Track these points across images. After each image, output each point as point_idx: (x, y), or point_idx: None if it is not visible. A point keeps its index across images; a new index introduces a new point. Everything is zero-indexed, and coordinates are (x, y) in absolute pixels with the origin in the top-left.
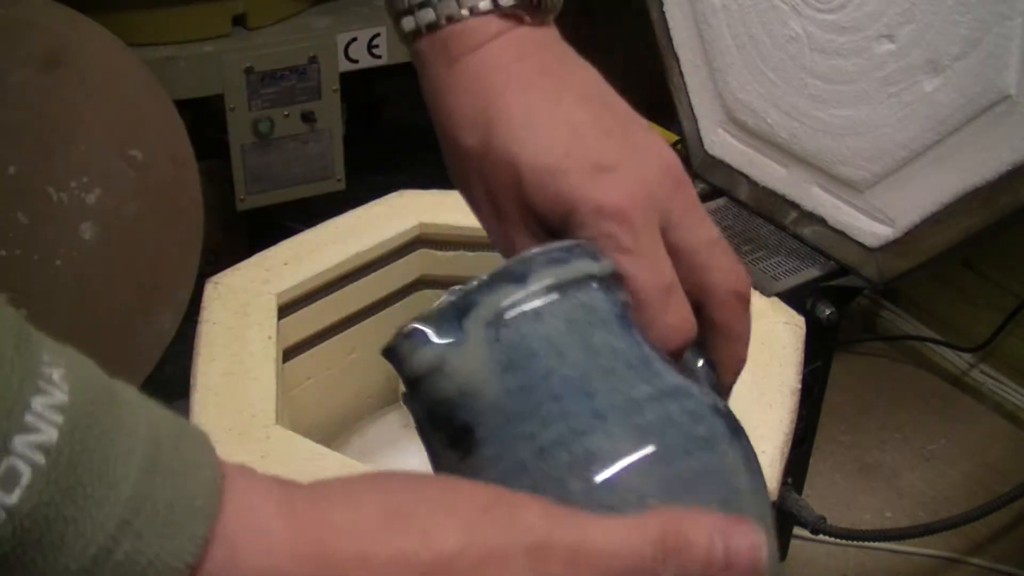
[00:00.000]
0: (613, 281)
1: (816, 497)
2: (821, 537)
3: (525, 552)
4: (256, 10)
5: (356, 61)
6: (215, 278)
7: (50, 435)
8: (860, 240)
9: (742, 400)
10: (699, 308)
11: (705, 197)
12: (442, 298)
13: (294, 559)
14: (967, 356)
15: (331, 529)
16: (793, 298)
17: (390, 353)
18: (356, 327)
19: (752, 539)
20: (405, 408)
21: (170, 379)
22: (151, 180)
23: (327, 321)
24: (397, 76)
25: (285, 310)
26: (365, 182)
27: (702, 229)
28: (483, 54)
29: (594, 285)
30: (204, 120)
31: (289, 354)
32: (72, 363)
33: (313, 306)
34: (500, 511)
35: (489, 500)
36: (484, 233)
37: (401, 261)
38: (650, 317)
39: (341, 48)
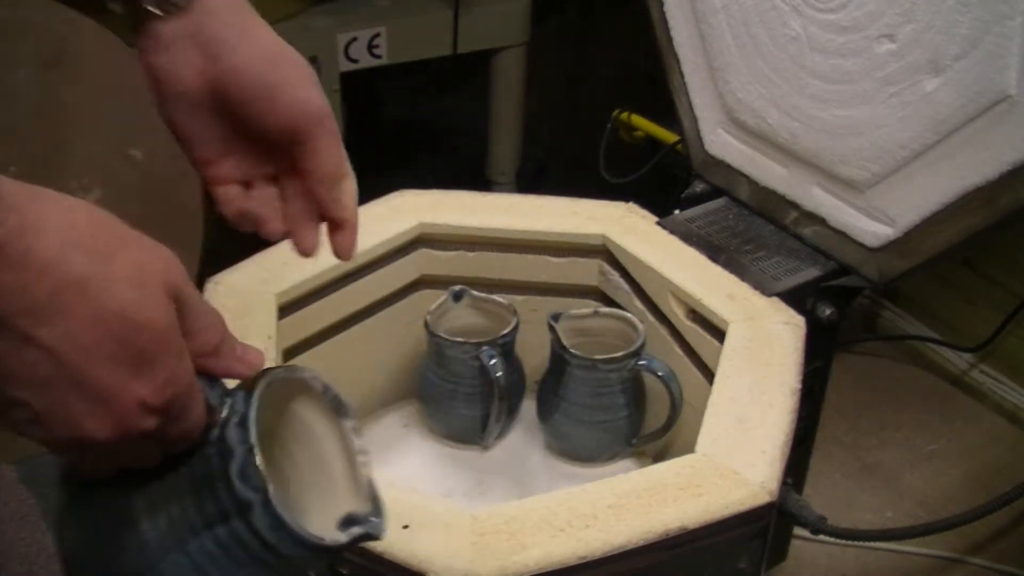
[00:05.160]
0: None
1: (816, 497)
2: (821, 537)
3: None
4: (256, 10)
5: (356, 61)
6: (215, 278)
7: None
8: (860, 240)
9: (742, 400)
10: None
11: (705, 197)
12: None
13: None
14: (967, 356)
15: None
16: (793, 298)
17: None
18: (356, 327)
19: None
20: (405, 408)
21: None
22: (151, 180)
23: (327, 321)
24: (397, 76)
25: (285, 310)
26: (365, 182)
27: None
28: None
29: None
30: None
31: (289, 354)
32: None
33: (313, 306)
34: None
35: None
36: (484, 233)
37: (401, 261)
38: None
39: (341, 48)
